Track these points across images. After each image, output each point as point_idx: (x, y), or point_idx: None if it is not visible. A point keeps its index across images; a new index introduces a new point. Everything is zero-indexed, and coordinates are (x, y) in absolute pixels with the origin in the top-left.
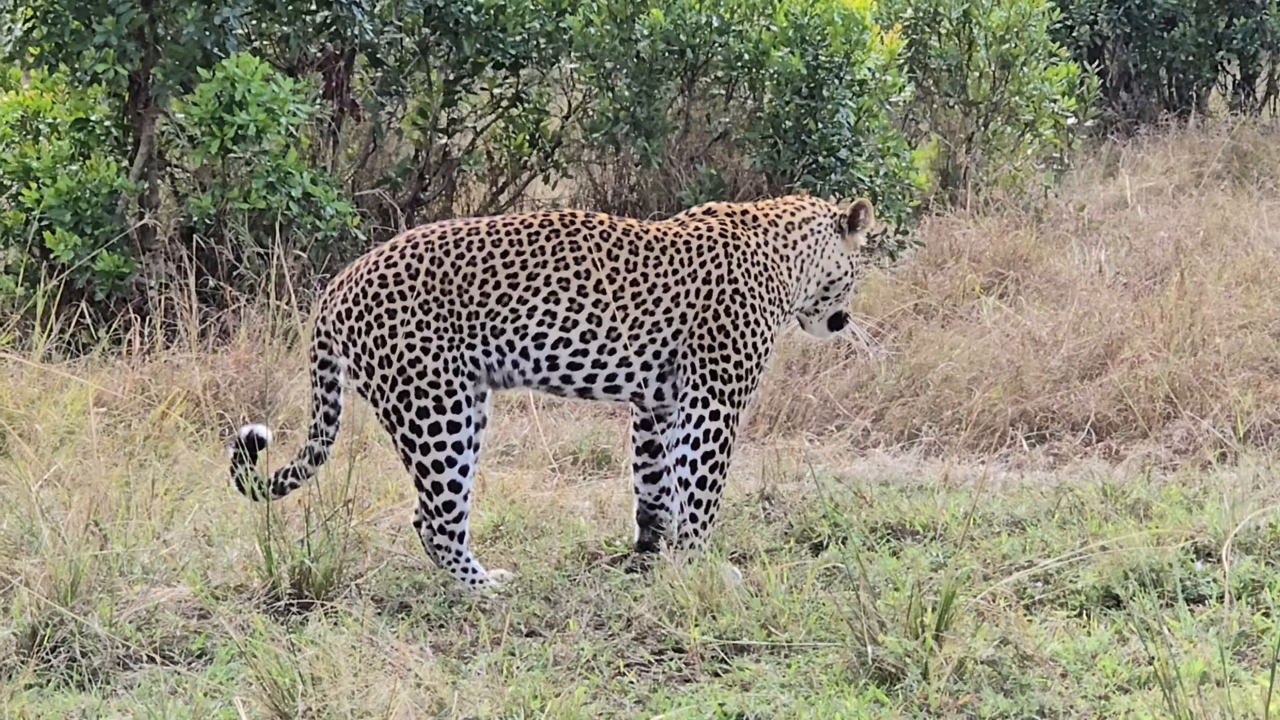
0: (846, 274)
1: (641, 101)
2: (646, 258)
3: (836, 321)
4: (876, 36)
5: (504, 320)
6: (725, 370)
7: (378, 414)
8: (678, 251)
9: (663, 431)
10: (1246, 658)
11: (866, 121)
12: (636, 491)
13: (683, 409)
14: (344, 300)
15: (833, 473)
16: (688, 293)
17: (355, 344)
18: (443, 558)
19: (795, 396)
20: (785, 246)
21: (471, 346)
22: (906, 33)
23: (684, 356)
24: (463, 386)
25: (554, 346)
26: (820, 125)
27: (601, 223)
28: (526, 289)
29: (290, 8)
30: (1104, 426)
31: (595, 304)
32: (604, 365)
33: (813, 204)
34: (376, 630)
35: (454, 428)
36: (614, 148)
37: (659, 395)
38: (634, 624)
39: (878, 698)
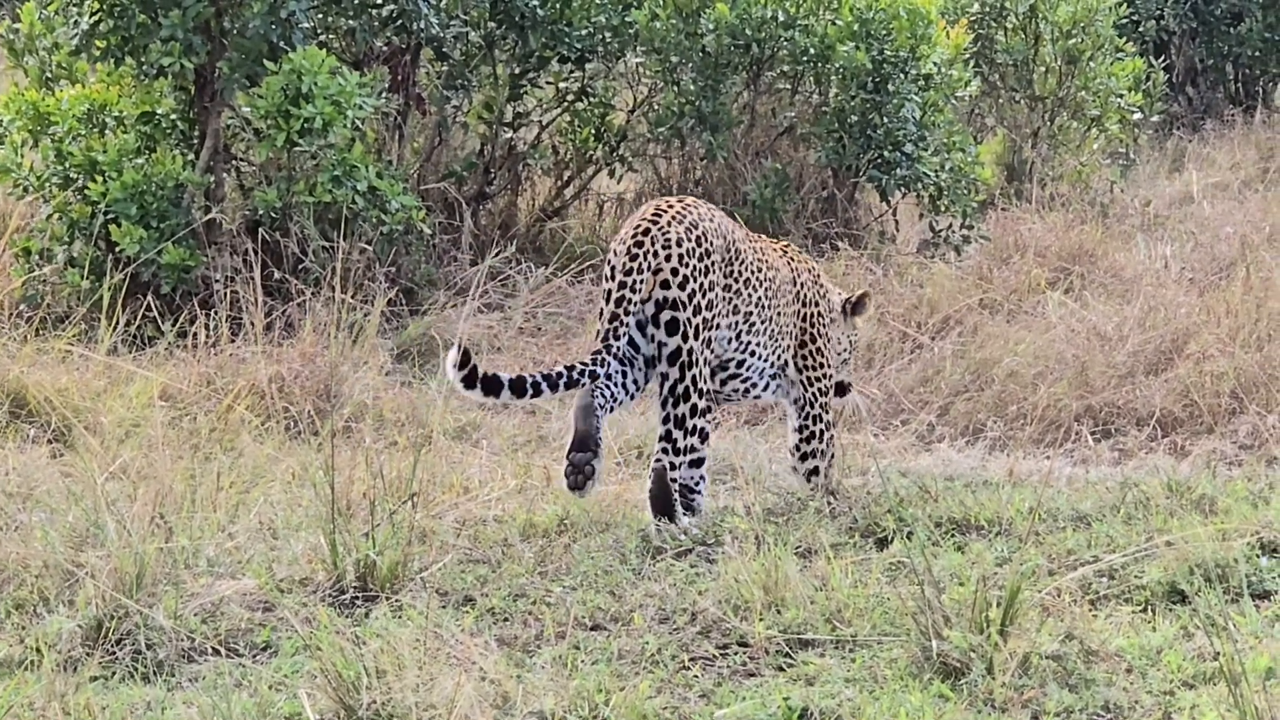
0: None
1: (707, 96)
2: None
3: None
4: (942, 31)
5: None
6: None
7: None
8: None
9: None
10: None
11: (932, 116)
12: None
13: None
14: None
15: (898, 468)
16: None
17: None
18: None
19: (860, 391)
20: None
21: None
22: (972, 27)
23: None
24: None
25: None
26: (885, 120)
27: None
28: None
29: (357, 1)
30: (1169, 422)
31: None
32: None
33: None
34: (441, 623)
35: None
36: (679, 142)
37: None
38: (698, 618)
39: (942, 692)
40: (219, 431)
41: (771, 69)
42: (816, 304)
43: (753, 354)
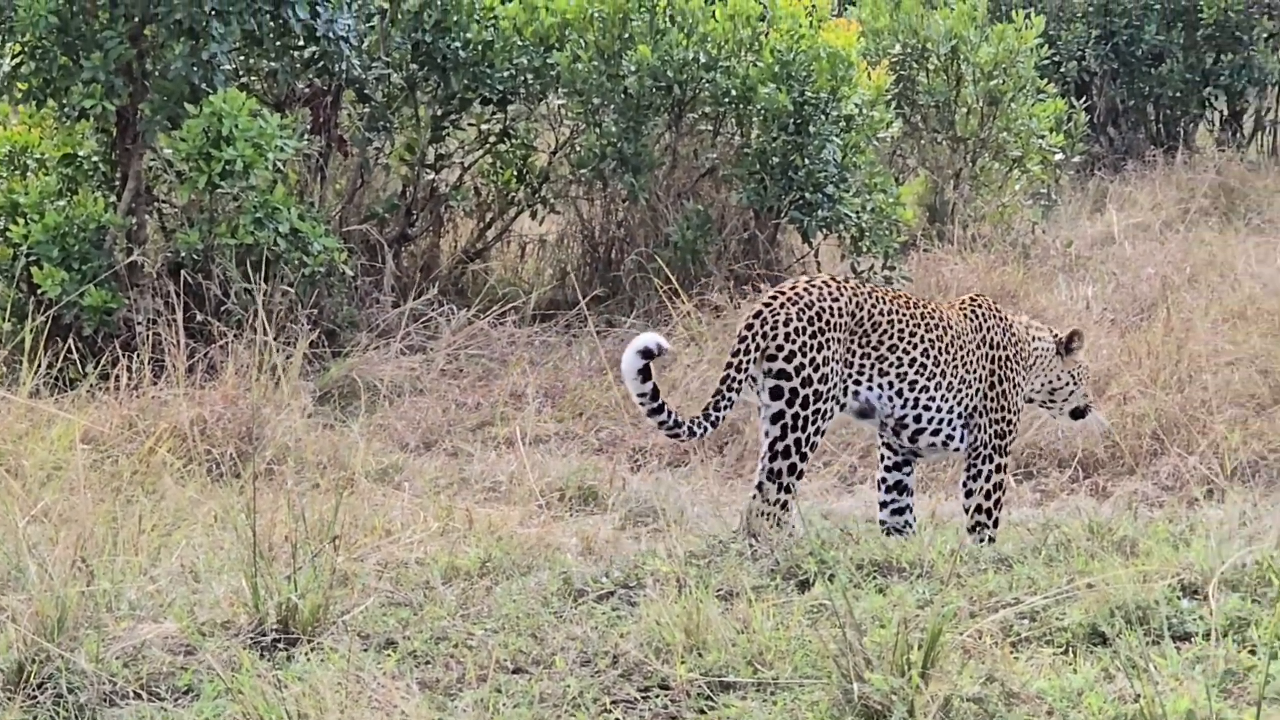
0: None
1: (629, 137)
2: None
3: None
4: (863, 72)
5: None
6: None
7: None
8: None
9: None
10: (1233, 695)
11: (853, 157)
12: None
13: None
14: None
15: (819, 509)
16: None
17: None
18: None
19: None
20: None
21: None
22: (894, 69)
23: None
24: None
25: None
26: (807, 161)
27: None
28: None
29: (278, 44)
30: (1091, 463)
31: None
32: None
33: None
34: (363, 667)
35: None
36: (601, 183)
37: None
38: (620, 661)
39: None
40: (141, 474)
41: (693, 110)
42: (1004, 350)
43: (927, 409)
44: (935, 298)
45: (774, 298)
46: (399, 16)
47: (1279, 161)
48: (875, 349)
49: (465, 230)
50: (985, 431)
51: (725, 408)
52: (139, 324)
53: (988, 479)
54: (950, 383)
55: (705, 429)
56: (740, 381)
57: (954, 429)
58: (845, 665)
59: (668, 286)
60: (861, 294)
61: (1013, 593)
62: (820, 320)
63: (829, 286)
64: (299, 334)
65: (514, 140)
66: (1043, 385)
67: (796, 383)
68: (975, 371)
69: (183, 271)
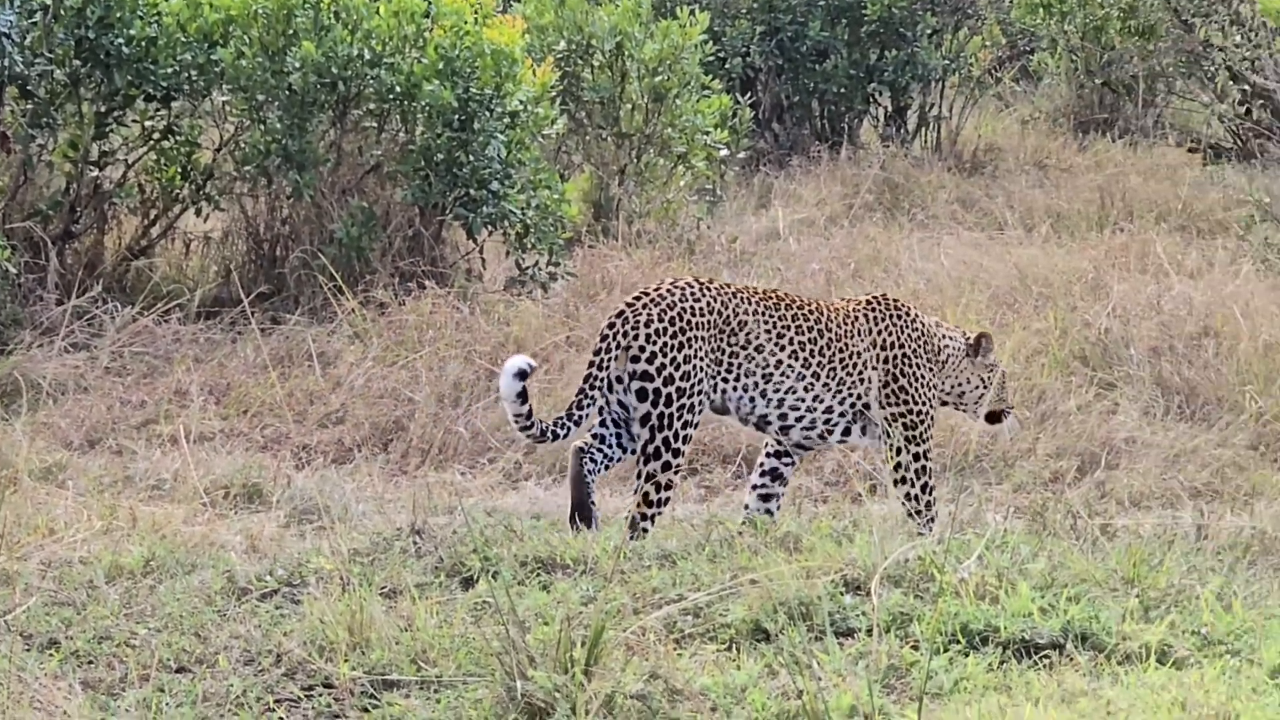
0: None
1: (293, 134)
2: None
3: None
4: (528, 69)
5: None
6: None
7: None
8: None
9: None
10: (895, 690)
11: (518, 154)
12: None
13: None
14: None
15: (484, 506)
16: None
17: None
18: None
19: (447, 429)
20: None
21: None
22: (559, 65)
23: None
24: None
25: None
26: (471, 158)
27: None
28: None
29: None
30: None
31: None
32: None
33: None
34: (25, 667)
35: None
36: (266, 180)
37: None
38: (284, 659)
39: None
40: None
41: (358, 107)
42: (902, 347)
43: (795, 409)
44: (829, 297)
45: (636, 298)
46: (62, 12)
47: (943, 157)
48: (742, 348)
49: (130, 227)
50: (894, 427)
51: (588, 406)
52: None
53: (909, 469)
54: (826, 382)
55: (569, 429)
56: (602, 380)
57: (833, 425)
58: (509, 663)
59: (333, 284)
60: (727, 293)
61: (676, 589)
62: (682, 320)
63: (692, 287)
64: None
65: (178, 137)
66: (952, 387)
67: (659, 383)
68: (864, 370)
69: None
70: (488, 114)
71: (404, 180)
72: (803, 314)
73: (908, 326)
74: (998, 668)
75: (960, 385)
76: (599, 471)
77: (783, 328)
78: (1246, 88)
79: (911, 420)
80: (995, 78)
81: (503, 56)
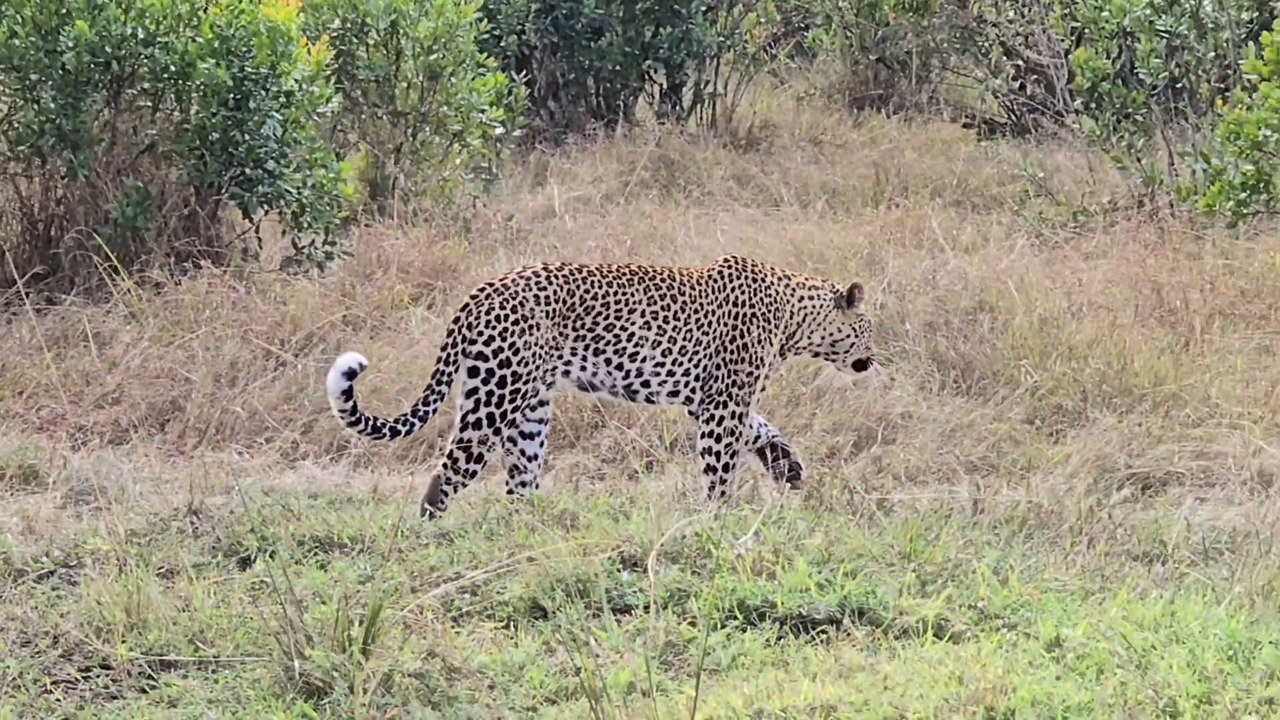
0: None
1: (67, 114)
2: None
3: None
4: (303, 48)
5: None
6: None
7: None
8: None
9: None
10: (673, 667)
11: (294, 133)
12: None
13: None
14: None
15: (261, 486)
16: None
17: None
18: None
19: (224, 409)
20: None
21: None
22: (334, 44)
23: None
24: None
25: None
26: (247, 137)
27: None
28: None
29: None
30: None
31: None
32: None
33: None
34: None
35: None
36: (40, 160)
37: None
38: (60, 641)
39: (305, 712)
40: None
41: (132, 86)
42: (751, 307)
43: (656, 374)
44: (682, 264)
45: (481, 289)
46: None
47: (718, 134)
48: (591, 329)
49: None
50: (723, 382)
51: (434, 402)
52: None
53: (720, 424)
54: (683, 346)
55: (412, 425)
56: (449, 375)
57: (690, 389)
58: (286, 642)
59: (108, 264)
60: (576, 278)
61: (454, 567)
62: (524, 308)
63: (538, 275)
64: None
65: None
66: (823, 338)
67: (494, 364)
68: (714, 330)
69: None
70: (263, 93)
71: (179, 160)
72: (655, 284)
73: (759, 288)
74: (775, 643)
75: (832, 335)
76: (531, 487)
77: (634, 300)
78: (1020, 63)
79: (742, 380)
80: (770, 54)
81: (278, 34)
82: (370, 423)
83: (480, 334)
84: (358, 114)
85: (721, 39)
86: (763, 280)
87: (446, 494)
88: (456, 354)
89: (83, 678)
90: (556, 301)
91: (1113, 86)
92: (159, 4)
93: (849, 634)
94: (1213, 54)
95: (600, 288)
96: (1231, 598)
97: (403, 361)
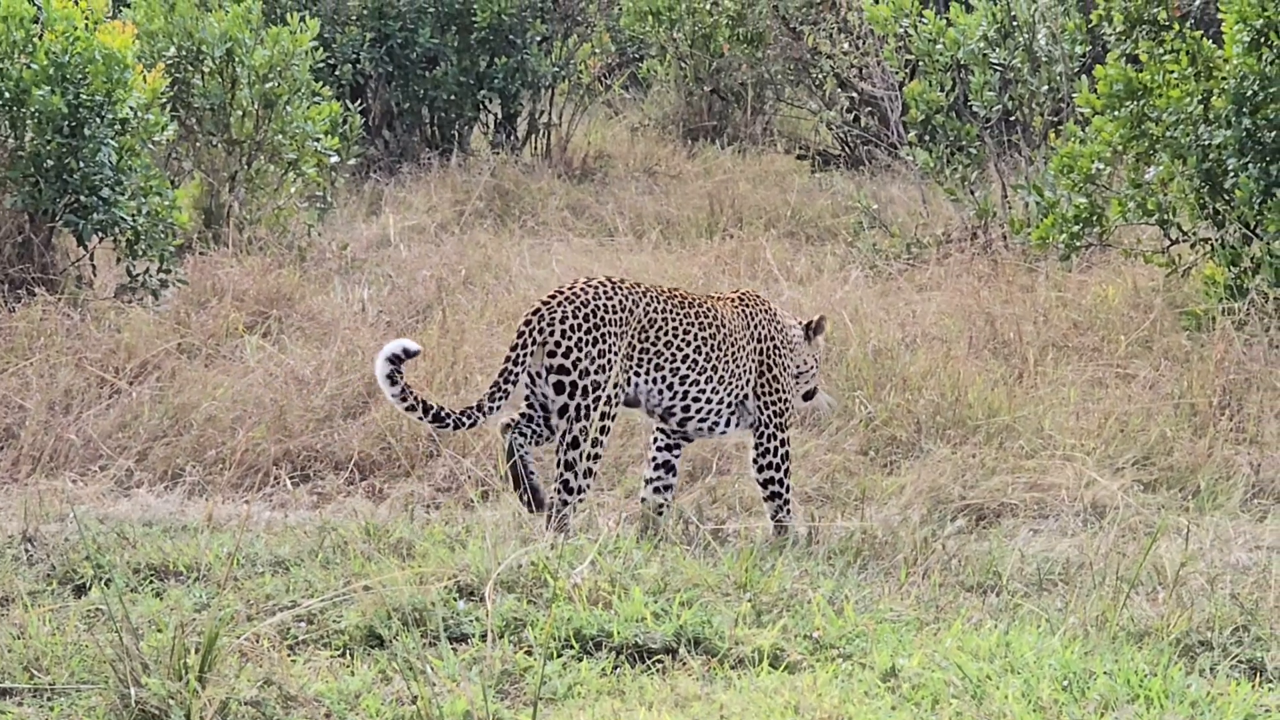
0: None
1: None
2: None
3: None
4: (139, 75)
5: None
6: None
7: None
8: None
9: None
10: (509, 696)
11: (129, 160)
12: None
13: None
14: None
15: (96, 513)
16: None
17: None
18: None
19: (58, 437)
20: None
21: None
22: (170, 71)
23: None
24: None
25: None
26: (82, 164)
27: None
28: None
29: None
30: (367, 465)
31: None
32: None
33: None
34: None
35: None
36: None
37: None
38: None
39: None
40: None
41: None
42: (776, 350)
43: (696, 400)
44: (708, 293)
45: (552, 296)
46: None
47: (553, 164)
48: (653, 344)
49: None
50: (764, 414)
51: (500, 399)
52: None
53: (774, 454)
54: (721, 375)
55: (476, 419)
56: (516, 375)
57: (720, 416)
58: (122, 670)
59: None
60: (637, 292)
61: (290, 596)
62: (596, 316)
63: (605, 285)
64: None
65: None
66: (796, 369)
67: (575, 375)
68: (745, 363)
69: None
70: (99, 120)
71: (13, 186)
72: (700, 310)
73: (772, 319)
74: (611, 672)
75: (799, 367)
76: (530, 444)
77: (688, 324)
78: (854, 95)
79: (780, 409)
80: (605, 85)
81: (114, 62)
82: (429, 408)
83: (559, 344)
84: (193, 142)
85: (556, 69)
86: (772, 311)
87: (568, 516)
88: (526, 355)
89: None
90: (624, 310)
91: (946, 119)
92: None
93: (685, 663)
94: (1046, 87)
95: (659, 304)
96: (1066, 628)
97: (238, 390)
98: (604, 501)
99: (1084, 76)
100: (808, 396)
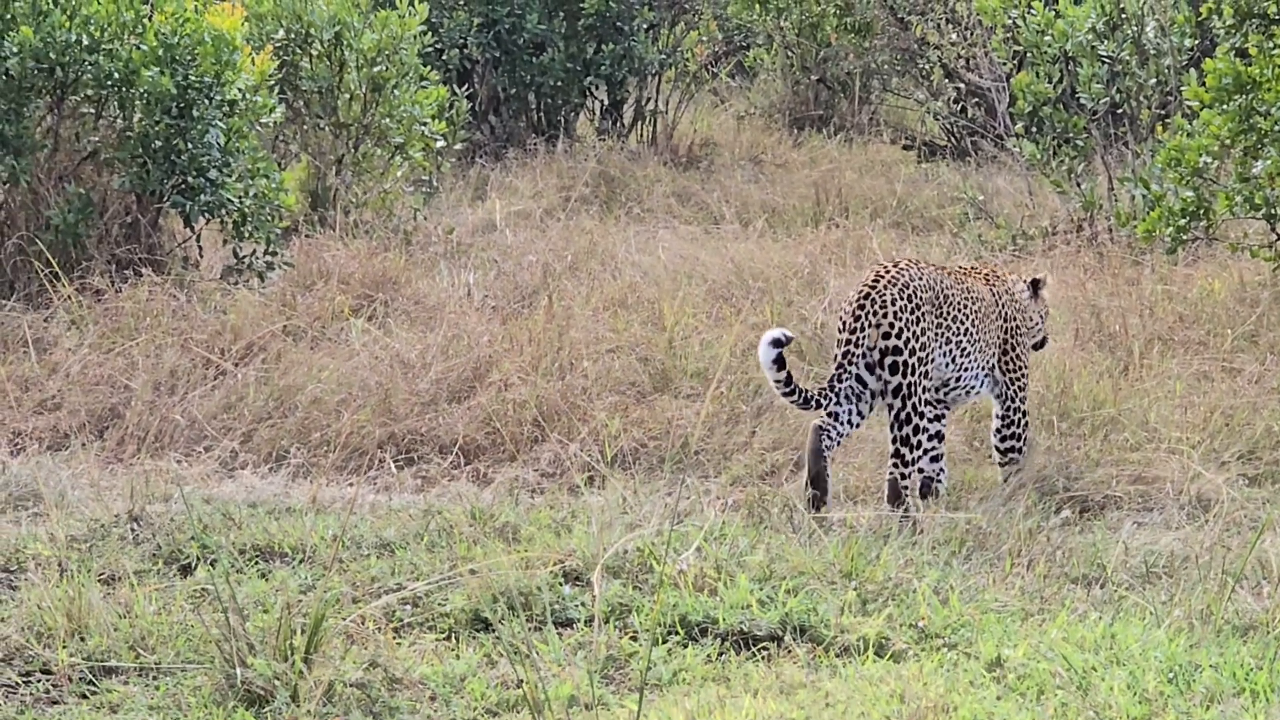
0: None
1: (9, 119)
2: None
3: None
4: (247, 57)
5: None
6: None
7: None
8: None
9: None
10: (614, 681)
11: (236, 142)
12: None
13: None
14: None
15: (201, 494)
16: None
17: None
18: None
19: (164, 417)
20: None
21: None
22: (277, 54)
23: None
24: None
25: None
26: (190, 146)
27: None
28: None
29: None
30: (472, 449)
31: None
32: None
33: None
34: None
35: None
36: None
37: None
38: (1, 646)
39: None
40: None
41: (76, 93)
42: (1015, 317)
43: (966, 369)
44: (964, 267)
45: (878, 278)
46: None
47: (659, 152)
48: (946, 319)
49: None
50: (1010, 388)
51: (846, 379)
52: None
53: (1018, 424)
54: (980, 346)
55: (830, 399)
56: (857, 355)
57: (978, 380)
58: (228, 650)
59: (49, 270)
60: (933, 272)
61: (395, 578)
62: (917, 297)
63: (915, 265)
64: None
65: None
66: (1029, 336)
67: (906, 355)
68: (994, 335)
69: None
70: (207, 101)
71: (121, 167)
72: (967, 285)
73: (1010, 295)
74: (716, 659)
75: (1030, 325)
76: (834, 447)
77: (964, 300)
78: (961, 86)
79: (1024, 383)
80: (711, 73)
81: (223, 43)
82: (802, 394)
83: (894, 326)
84: (300, 124)
85: (663, 57)
86: (1009, 284)
87: (905, 489)
88: (863, 337)
89: (24, 682)
90: (930, 290)
91: (1054, 111)
92: (104, 11)
93: (790, 651)
94: (1154, 80)
95: (949, 281)
96: (1171, 621)
97: (343, 373)
98: (709, 489)
99: (1192, 70)
100: (1038, 346)
